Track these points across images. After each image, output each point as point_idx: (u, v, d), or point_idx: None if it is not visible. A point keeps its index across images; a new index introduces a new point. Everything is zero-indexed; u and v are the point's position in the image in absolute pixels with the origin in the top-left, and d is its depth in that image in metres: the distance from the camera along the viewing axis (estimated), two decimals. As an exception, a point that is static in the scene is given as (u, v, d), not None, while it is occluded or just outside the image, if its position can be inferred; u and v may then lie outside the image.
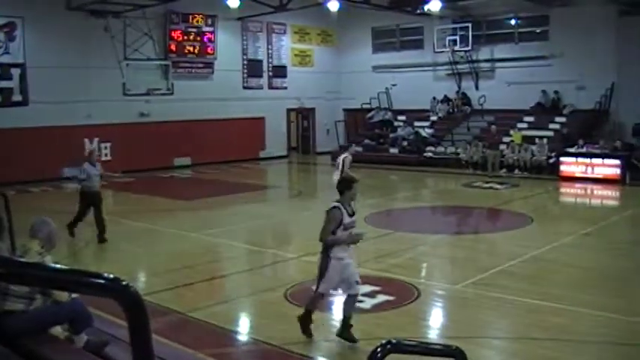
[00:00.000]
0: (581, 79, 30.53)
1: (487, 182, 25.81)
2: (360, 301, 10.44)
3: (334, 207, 8.74)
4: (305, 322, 8.96)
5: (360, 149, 19.72)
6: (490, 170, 27.87)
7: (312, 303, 9.09)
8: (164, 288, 11.51)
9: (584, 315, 10.11)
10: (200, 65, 32.98)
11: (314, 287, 9.03)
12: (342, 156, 18.71)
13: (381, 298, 10.72)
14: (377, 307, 10.31)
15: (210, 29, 32.91)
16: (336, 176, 18.24)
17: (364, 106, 36.79)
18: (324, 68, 38.59)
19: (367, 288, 10.97)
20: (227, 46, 33.87)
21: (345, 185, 8.93)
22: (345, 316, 8.93)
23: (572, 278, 12.28)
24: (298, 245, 15.43)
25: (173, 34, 31.74)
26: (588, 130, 29.67)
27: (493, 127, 29.72)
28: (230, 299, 11.47)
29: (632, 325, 9.57)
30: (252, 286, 12.34)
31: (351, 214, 8.85)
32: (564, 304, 10.53)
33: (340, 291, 9.28)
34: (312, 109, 38.43)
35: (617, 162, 26.17)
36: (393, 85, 36.60)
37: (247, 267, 13.78)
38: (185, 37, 32.07)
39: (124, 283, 2.50)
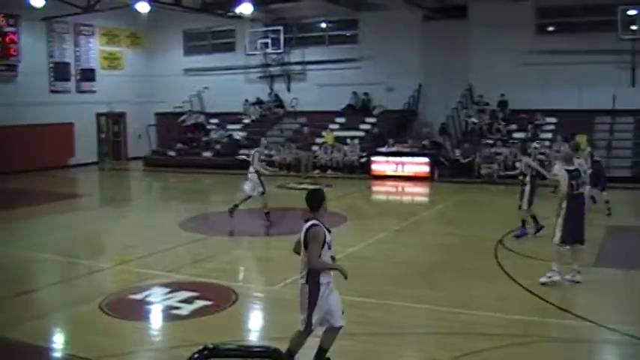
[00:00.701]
0: (389, 80, 31.65)
1: (301, 183, 26.12)
2: (178, 308, 10.25)
3: (314, 225, 7.62)
4: None
5: (265, 142, 19.54)
6: (303, 171, 28.26)
7: (299, 342, 7.91)
8: (-35, 306, 10.72)
9: (400, 308, 10.44)
10: (2, 68, 31.08)
11: (302, 321, 7.76)
12: (253, 151, 18.43)
13: (200, 303, 10.52)
14: (195, 313, 10.11)
15: (13, 30, 31.15)
16: (248, 186, 18.03)
17: (176, 110, 36.25)
18: (135, 71, 37.52)
19: (184, 294, 10.78)
20: (31, 48, 32.08)
21: (321, 198, 7.85)
22: (324, 349, 7.95)
23: (387, 273, 12.62)
24: (113, 254, 14.92)
25: (-29, 35, 29.84)
26: (398, 130, 30.78)
27: (306, 128, 30.16)
28: (43, 314, 10.81)
29: (446, 315, 9.96)
30: (66, 299, 11.69)
31: (329, 230, 7.82)
32: (381, 298, 10.79)
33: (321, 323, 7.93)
34: (123, 114, 37.27)
35: (425, 160, 27.34)
36: (205, 88, 36.31)
37: (60, 279, 13.10)
38: (-16, 38, 30.24)
39: None
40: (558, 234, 11.44)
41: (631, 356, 8.66)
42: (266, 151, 22.60)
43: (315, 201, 7.80)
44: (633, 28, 27.44)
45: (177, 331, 9.40)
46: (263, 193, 18.08)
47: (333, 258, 7.92)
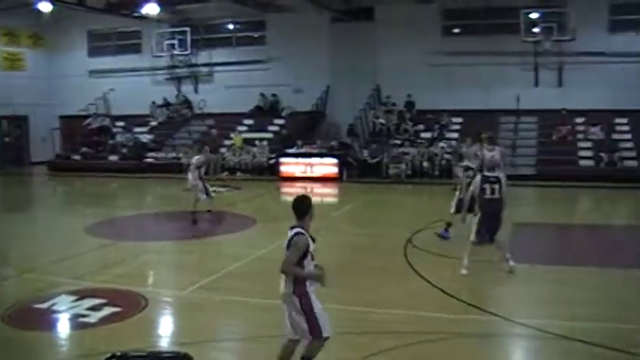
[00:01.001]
0: (297, 82, 31.76)
1: (210, 186, 25.82)
2: (85, 316, 9.99)
3: (298, 233, 7.38)
4: None
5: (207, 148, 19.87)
6: (212, 174, 27.99)
7: (314, 352, 7.55)
8: None
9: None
10: None
11: (307, 335, 7.44)
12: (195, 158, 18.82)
13: (108, 310, 10.25)
14: (104, 320, 9.85)
15: None
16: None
17: (81, 113, 35.39)
18: (38, 73, 36.32)
19: (92, 301, 10.52)
20: None
21: (308, 205, 7.64)
22: (307, 358, 7.53)
23: (297, 275, 12.60)
24: (16, 263, 14.41)
25: None
26: (306, 131, 30.89)
27: (214, 130, 29.92)
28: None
29: (357, 315, 10.01)
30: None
31: (314, 240, 7.53)
32: (292, 301, 10.78)
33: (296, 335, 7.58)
34: (26, 117, 36.14)
35: (334, 161, 27.53)
36: (111, 90, 35.59)
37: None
38: None
39: None
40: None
41: (539, 349, 8.87)
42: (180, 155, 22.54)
43: (302, 208, 7.62)
44: (535, 30, 28.34)
45: (85, 339, 9.15)
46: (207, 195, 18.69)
47: (317, 267, 7.62)
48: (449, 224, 15.29)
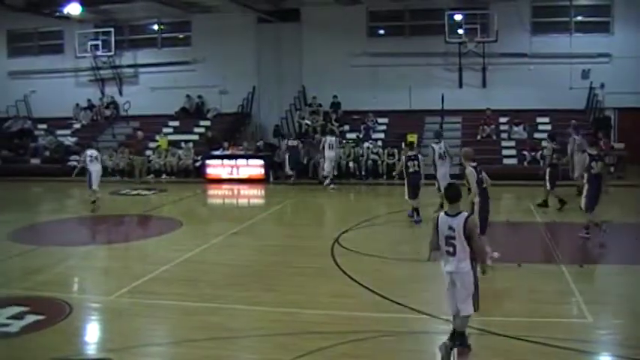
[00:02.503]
0: (223, 83, 31.63)
1: (135, 189, 25.55)
2: (6, 325, 9.74)
3: (470, 215, 8.37)
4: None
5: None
6: (138, 177, 27.65)
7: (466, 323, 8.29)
8: None
9: (239, 311, 10.44)
10: None
11: (468, 304, 8.16)
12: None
13: (30, 318, 10.01)
14: (26, 329, 9.60)
15: None
16: None
17: (1, 116, 34.39)
18: (-47, 74, 35.22)
19: (14, 309, 10.26)
20: None
21: (460, 191, 8.42)
22: (461, 332, 8.28)
23: (225, 277, 12.55)
24: None
25: None
26: (232, 133, 30.76)
27: (139, 132, 29.50)
28: None
29: (285, 316, 10.02)
30: None
31: None
32: (220, 303, 10.75)
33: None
34: (-59, 119, 35.00)
35: (260, 162, 27.45)
36: (32, 91, 34.77)
37: None
38: None
39: None
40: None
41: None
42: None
43: (458, 194, 8.29)
44: (460, 31, 28.80)
45: (7, 349, 8.91)
46: None
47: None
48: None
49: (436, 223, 8.26)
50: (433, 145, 18.95)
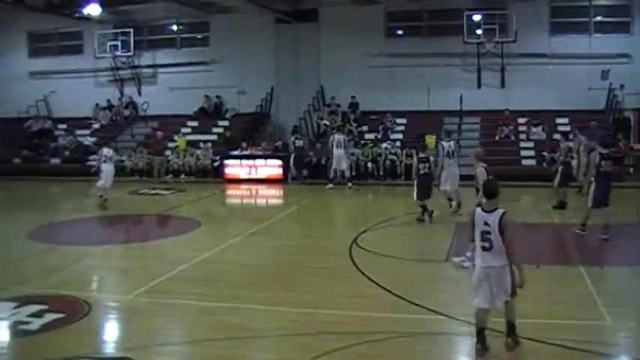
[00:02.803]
0: (242, 83, 31.70)
1: (153, 189, 25.67)
2: (26, 322, 9.81)
3: (506, 212, 8.32)
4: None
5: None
6: (156, 177, 27.76)
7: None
8: None
9: (257, 311, 10.42)
10: None
11: (508, 295, 8.32)
12: None
13: (50, 316, 10.07)
14: (46, 327, 9.66)
15: None
16: None
17: (21, 115, 34.63)
18: (-26, 74, 35.48)
19: (33, 308, 10.33)
20: None
21: (499, 186, 8.60)
22: (513, 323, 8.49)
23: (243, 277, 12.56)
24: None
25: None
26: (250, 133, 30.82)
27: (159, 133, 29.64)
28: None
29: (302, 316, 10.01)
30: None
31: None
32: (238, 303, 10.75)
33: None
34: (-38, 119, 35.28)
35: (279, 162, 27.47)
36: (52, 91, 35.01)
37: None
38: None
39: None
40: None
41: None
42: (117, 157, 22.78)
43: (496, 189, 8.46)
44: (478, 32, 28.71)
45: (27, 347, 8.98)
46: None
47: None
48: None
49: (472, 218, 8.42)
50: (443, 143, 18.90)
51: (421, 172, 17.31)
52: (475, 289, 8.44)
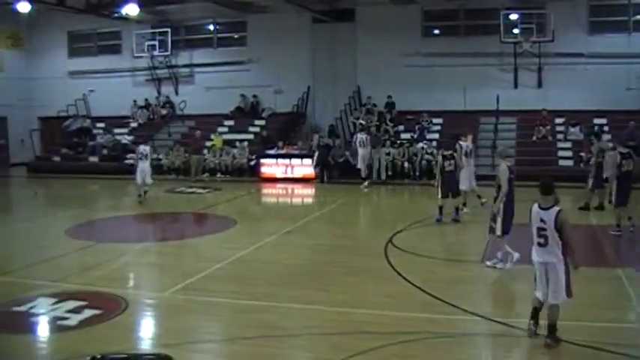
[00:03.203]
0: (278, 83, 31.78)
1: (190, 187, 25.85)
2: (65, 318, 9.95)
3: (561, 210, 8.52)
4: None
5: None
6: (193, 175, 27.95)
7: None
8: None
9: (292, 310, 10.44)
10: None
11: (559, 295, 8.53)
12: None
13: (88, 312, 10.21)
14: (84, 323, 9.80)
15: None
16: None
17: (61, 114, 35.07)
18: (16, 74, 35.73)
19: (72, 304, 10.47)
20: None
21: (553, 183, 8.81)
22: (553, 324, 8.60)
23: (278, 276, 12.60)
24: None
25: None
26: (287, 132, 30.90)
27: (197, 132, 29.86)
28: None
29: (337, 315, 10.02)
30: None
31: None
32: (273, 301, 10.78)
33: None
34: (4, 118, 35.79)
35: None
36: (91, 91, 35.41)
37: None
38: None
39: None
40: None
41: (519, 347, 8.93)
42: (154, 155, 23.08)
43: (550, 186, 8.67)
44: (515, 31, 28.49)
45: (66, 342, 9.11)
46: None
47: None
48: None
49: (530, 215, 8.68)
50: (461, 142, 18.79)
51: (446, 169, 17.33)
52: (538, 283, 8.73)
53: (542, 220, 8.46)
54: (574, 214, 18.74)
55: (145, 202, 21.85)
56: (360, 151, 25.29)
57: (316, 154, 27.54)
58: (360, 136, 25.55)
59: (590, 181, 19.13)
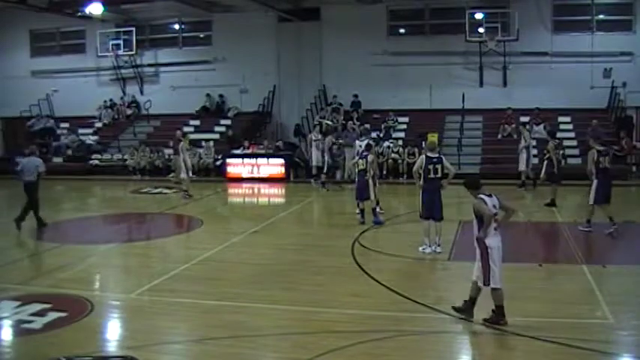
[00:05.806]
0: (244, 82, 31.72)
1: (156, 187, 25.68)
2: (29, 321, 9.82)
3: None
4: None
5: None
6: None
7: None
8: None
9: (259, 310, 10.43)
10: None
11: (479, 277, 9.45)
12: None
13: (53, 315, 10.09)
14: (49, 326, 9.68)
15: None
16: None
17: (24, 114, 34.60)
18: (-24, 73, 35.42)
19: (36, 307, 10.35)
20: None
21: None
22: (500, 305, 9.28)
23: (245, 276, 12.56)
24: None
25: None
26: (253, 132, 30.83)
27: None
28: None
29: (305, 315, 10.04)
30: None
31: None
32: (240, 301, 10.76)
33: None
34: (-37, 119, 35.25)
35: (281, 161, 27.49)
36: (55, 90, 35.01)
37: None
38: None
39: None
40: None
41: (485, 344, 9.00)
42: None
43: (477, 182, 9.64)
44: (480, 30, 28.70)
45: (30, 345, 8.99)
46: None
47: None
48: None
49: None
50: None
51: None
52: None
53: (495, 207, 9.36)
54: (541, 210, 19.02)
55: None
56: (314, 151, 25.42)
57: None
58: (314, 136, 25.68)
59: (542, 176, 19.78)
